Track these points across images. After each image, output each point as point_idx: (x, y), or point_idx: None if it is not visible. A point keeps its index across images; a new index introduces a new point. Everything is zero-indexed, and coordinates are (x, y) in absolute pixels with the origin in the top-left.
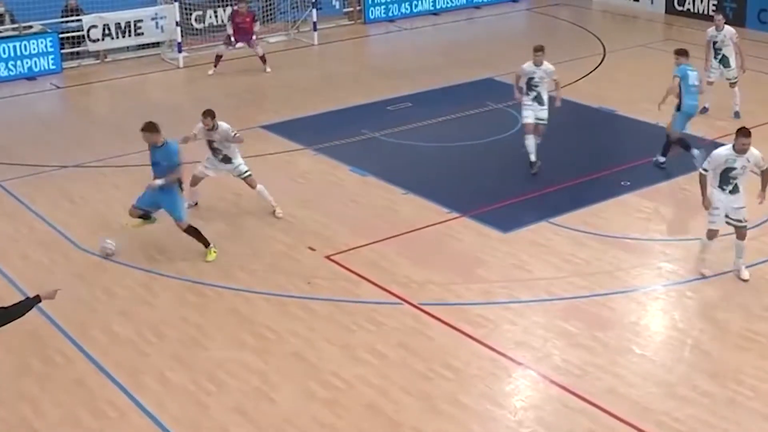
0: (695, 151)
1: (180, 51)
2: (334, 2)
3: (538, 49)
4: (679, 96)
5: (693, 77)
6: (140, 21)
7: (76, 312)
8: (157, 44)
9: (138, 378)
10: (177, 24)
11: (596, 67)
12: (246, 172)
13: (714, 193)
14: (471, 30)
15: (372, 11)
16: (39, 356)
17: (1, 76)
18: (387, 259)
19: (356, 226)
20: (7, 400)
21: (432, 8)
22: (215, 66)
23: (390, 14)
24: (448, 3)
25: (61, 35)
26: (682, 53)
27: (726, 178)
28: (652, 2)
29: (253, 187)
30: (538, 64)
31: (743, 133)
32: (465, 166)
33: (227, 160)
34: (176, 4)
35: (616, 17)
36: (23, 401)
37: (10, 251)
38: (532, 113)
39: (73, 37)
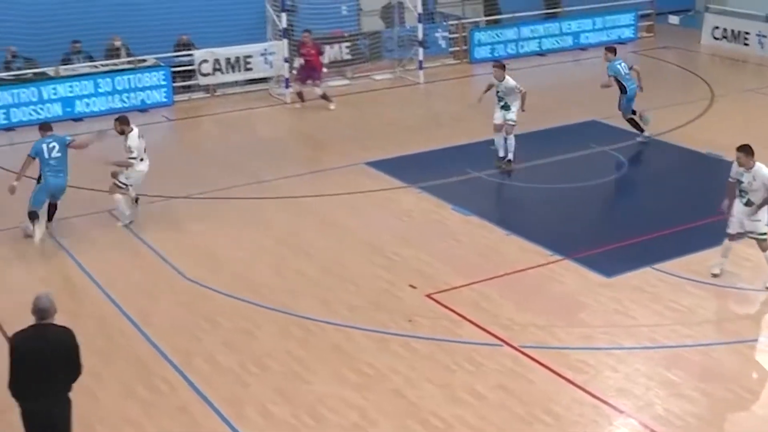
0: (644, 135)
1: (287, 87)
2: (440, 41)
3: (495, 66)
4: (621, 86)
5: (623, 68)
6: (249, 57)
7: (181, 340)
8: (265, 79)
9: (240, 409)
10: (285, 60)
11: (704, 112)
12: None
13: (735, 201)
14: (577, 71)
15: (478, 51)
16: (144, 382)
17: (116, 108)
18: (488, 299)
19: (458, 266)
20: (111, 422)
21: (538, 49)
22: (302, 101)
23: (495, 54)
24: (554, 44)
25: (173, 69)
26: (610, 50)
27: (739, 191)
28: (762, 46)
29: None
30: (499, 79)
31: (740, 148)
32: (568, 208)
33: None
34: (285, 40)
35: (725, 61)
36: (127, 425)
37: (117, 278)
38: (501, 116)
39: (184, 71)
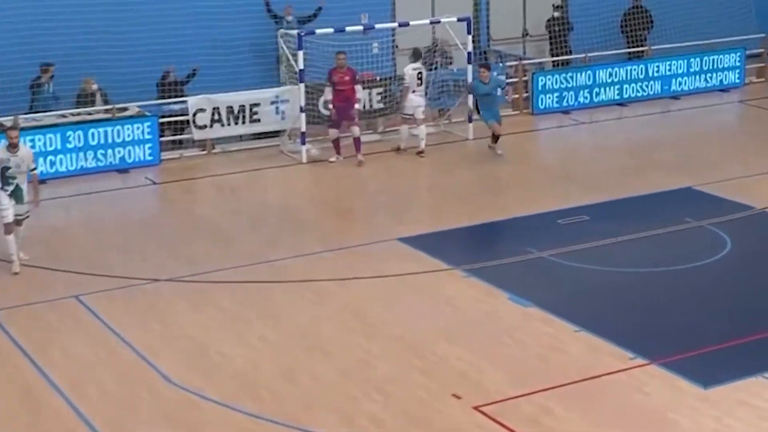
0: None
1: (303, 143)
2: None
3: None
4: (475, 103)
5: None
6: (256, 105)
7: None
8: (276, 134)
9: None
10: (301, 110)
11: None
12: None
13: None
14: (667, 126)
15: (542, 100)
16: None
17: (89, 167)
18: (552, 414)
19: (514, 370)
20: None
21: (618, 97)
22: (338, 152)
23: (564, 104)
24: (638, 91)
25: (161, 120)
26: (486, 67)
27: None
28: None
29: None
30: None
31: None
32: (655, 299)
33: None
34: (302, 85)
35: None
36: None
37: (86, 382)
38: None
39: (175, 122)
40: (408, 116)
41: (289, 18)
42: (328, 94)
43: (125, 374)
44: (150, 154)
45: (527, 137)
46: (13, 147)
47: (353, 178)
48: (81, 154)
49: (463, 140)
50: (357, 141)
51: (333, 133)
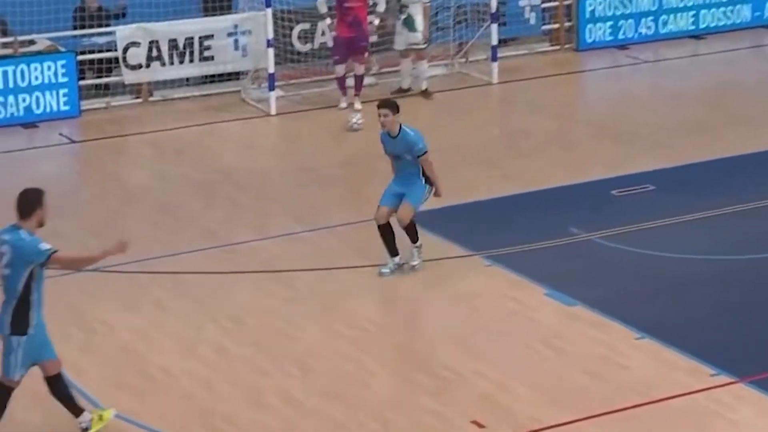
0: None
1: (272, 88)
2: (526, 14)
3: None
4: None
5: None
6: (208, 38)
7: None
8: (235, 76)
9: None
10: (269, 44)
11: None
12: None
13: None
14: (757, 67)
15: (590, 31)
16: None
17: None
18: None
19: (554, 390)
20: None
21: (692, 27)
22: (344, 94)
23: (620, 36)
24: (719, 20)
25: (80, 57)
26: None
27: None
28: None
29: None
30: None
31: None
32: (742, 296)
33: None
34: (269, 10)
35: None
36: None
37: None
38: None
39: (99, 60)
40: (414, 48)
41: None
42: (326, 25)
43: (37, 398)
44: (66, 103)
45: (570, 81)
46: None
47: (337, 134)
48: None
49: (485, 84)
50: (359, 80)
51: (339, 70)
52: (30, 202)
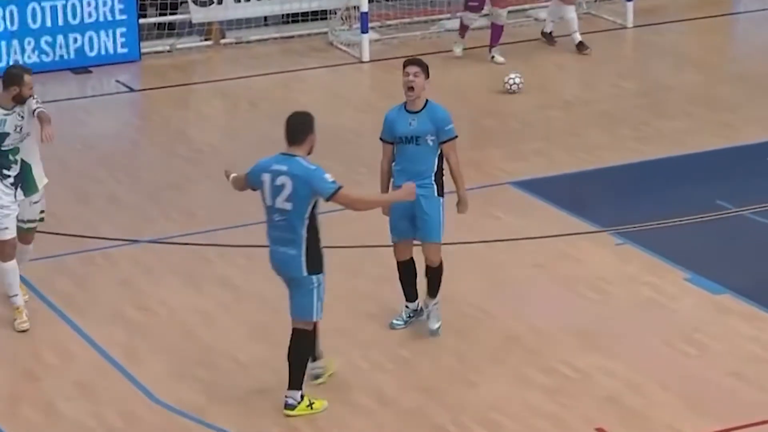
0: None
1: (365, 30)
2: None
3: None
4: None
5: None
6: None
7: None
8: (322, 15)
9: None
10: None
11: None
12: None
13: None
14: None
15: None
16: None
17: (28, 64)
18: None
19: (695, 394)
20: None
21: None
22: (462, 36)
23: None
24: None
25: None
26: None
27: None
28: None
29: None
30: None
31: None
32: None
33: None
34: None
35: None
36: None
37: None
38: None
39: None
40: None
41: None
42: None
43: (78, 385)
44: (123, 45)
45: (720, 25)
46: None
47: (446, 90)
48: (14, 43)
49: (618, 28)
50: (498, 30)
51: (472, 18)
52: (302, 125)
